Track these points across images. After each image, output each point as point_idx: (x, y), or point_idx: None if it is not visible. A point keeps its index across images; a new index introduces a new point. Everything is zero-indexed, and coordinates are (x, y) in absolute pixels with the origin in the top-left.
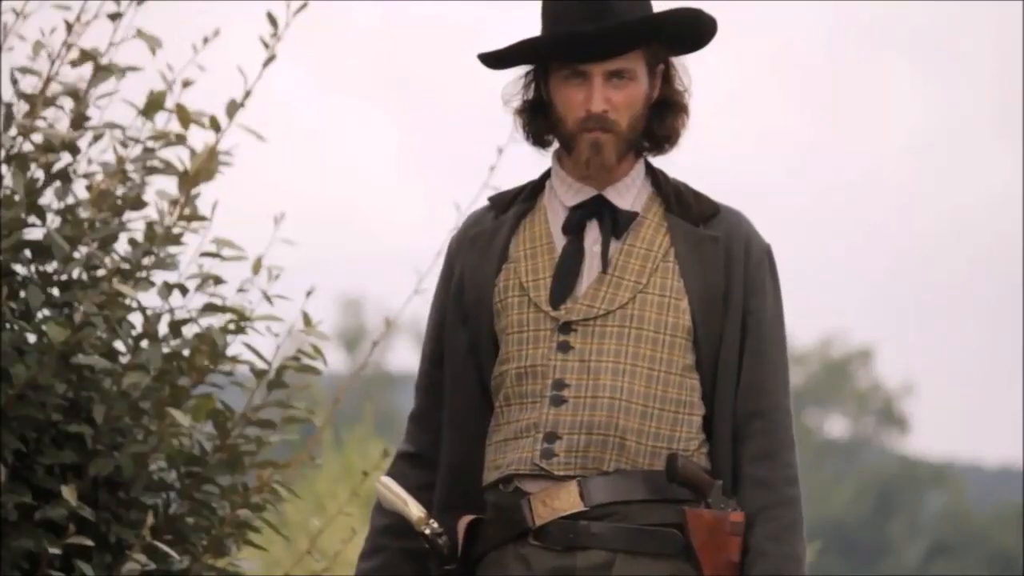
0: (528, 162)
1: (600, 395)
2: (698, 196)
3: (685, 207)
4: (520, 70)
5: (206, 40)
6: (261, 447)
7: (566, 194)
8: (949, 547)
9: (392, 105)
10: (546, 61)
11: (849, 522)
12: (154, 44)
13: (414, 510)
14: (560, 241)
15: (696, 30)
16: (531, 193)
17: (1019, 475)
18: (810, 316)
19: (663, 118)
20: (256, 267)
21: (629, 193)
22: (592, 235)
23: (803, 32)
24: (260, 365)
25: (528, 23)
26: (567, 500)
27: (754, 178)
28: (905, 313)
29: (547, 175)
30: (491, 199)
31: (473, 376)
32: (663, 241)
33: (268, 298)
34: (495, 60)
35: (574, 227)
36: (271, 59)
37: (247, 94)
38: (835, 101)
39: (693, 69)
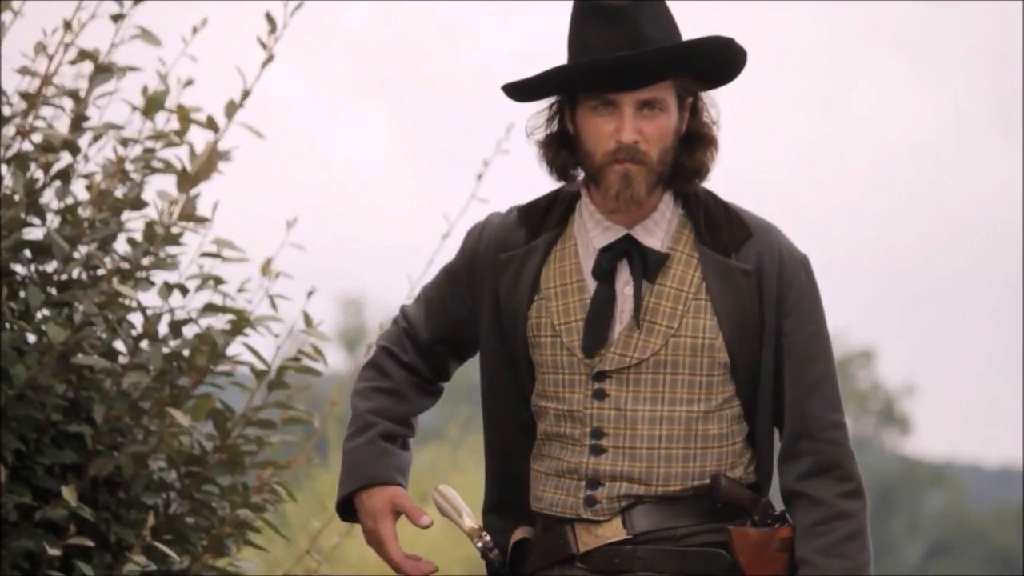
0: (514, 171)
1: (638, 446)
2: (729, 217)
3: (716, 232)
4: (537, 102)
5: (195, 30)
6: (261, 447)
7: (595, 230)
8: (949, 547)
9: (386, 105)
10: (573, 91)
11: None
12: (153, 42)
13: (468, 521)
14: (590, 282)
15: (728, 59)
16: (561, 218)
17: (1019, 475)
18: None
19: (692, 151)
20: (265, 269)
21: (659, 228)
22: (623, 277)
23: (803, 31)
24: (260, 366)
25: (521, 24)
26: (611, 529)
27: (754, 177)
28: (905, 313)
29: (578, 195)
30: (520, 211)
31: (515, 392)
32: (694, 276)
33: (272, 301)
34: (521, 91)
35: (604, 273)
36: (270, 59)
37: (246, 94)
38: (835, 100)
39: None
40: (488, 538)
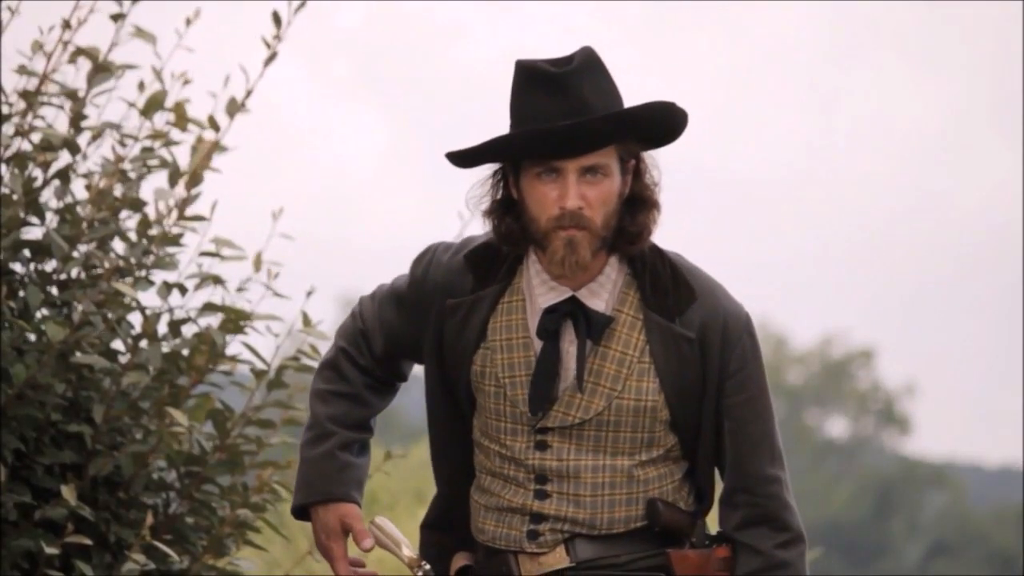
0: None
1: (582, 493)
2: (675, 279)
3: (661, 297)
4: (483, 169)
5: (188, 21)
6: (261, 447)
7: (540, 288)
8: (949, 547)
9: (382, 104)
10: (517, 158)
11: (849, 522)
12: (150, 40)
13: (406, 552)
14: (536, 340)
15: (670, 123)
16: (509, 270)
17: (1019, 475)
18: (810, 316)
19: (634, 214)
20: (257, 262)
21: (604, 290)
22: (568, 336)
23: (802, 31)
24: (260, 365)
25: (515, 24)
26: (554, 557)
27: (754, 177)
28: (905, 313)
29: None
30: (468, 258)
31: (456, 422)
32: (639, 339)
33: (276, 293)
34: (465, 159)
35: (549, 333)
36: (272, 57)
37: (248, 93)
38: (834, 100)
39: (693, 66)
40: (428, 567)
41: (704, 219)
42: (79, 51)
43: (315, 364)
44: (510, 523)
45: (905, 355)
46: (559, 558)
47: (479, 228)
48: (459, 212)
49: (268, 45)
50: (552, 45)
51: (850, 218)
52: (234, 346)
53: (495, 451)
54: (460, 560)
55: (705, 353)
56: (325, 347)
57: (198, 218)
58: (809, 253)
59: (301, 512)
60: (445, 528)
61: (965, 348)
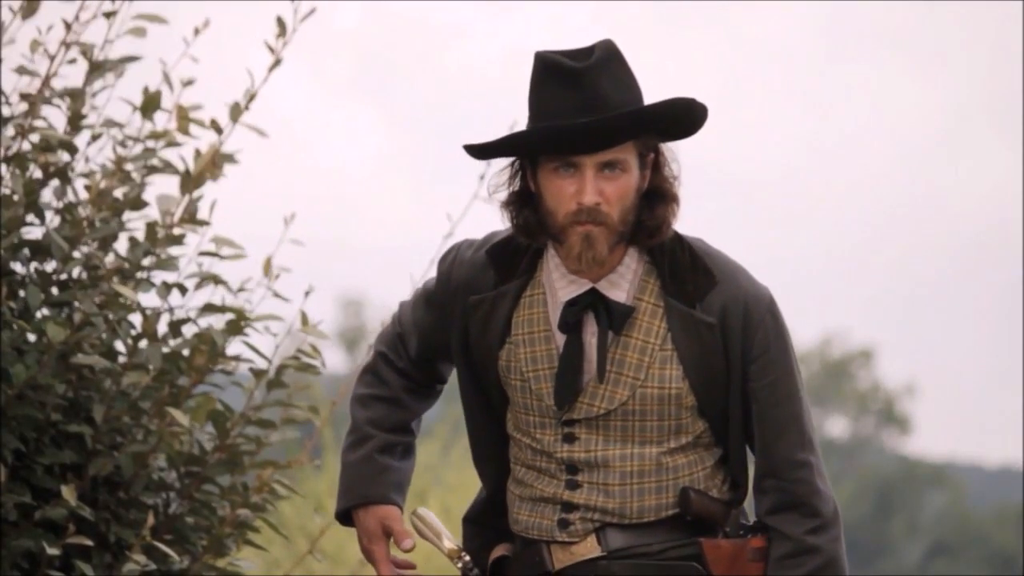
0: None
1: (611, 482)
2: (695, 265)
3: (681, 283)
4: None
5: (197, 31)
6: (261, 447)
7: (560, 282)
8: (949, 547)
9: (379, 105)
10: (534, 154)
11: (849, 522)
12: (139, 34)
13: (447, 543)
14: (557, 333)
15: (690, 120)
16: (530, 264)
17: (1019, 475)
18: (810, 316)
19: (653, 208)
20: (266, 267)
21: (624, 281)
22: (590, 328)
23: (802, 31)
24: (260, 365)
25: (512, 23)
26: (586, 547)
27: (754, 177)
28: (905, 313)
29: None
30: (490, 253)
31: (489, 417)
32: (660, 327)
33: (277, 294)
34: (482, 153)
35: (571, 326)
36: (277, 63)
37: (252, 97)
38: (834, 100)
39: (692, 65)
40: (468, 558)
41: (703, 219)
42: (81, 48)
43: (315, 364)
44: (542, 513)
45: (905, 355)
46: (590, 547)
47: (469, 228)
48: (447, 214)
49: (272, 51)
50: (551, 46)
51: (850, 218)
52: (234, 346)
53: (527, 444)
54: (499, 551)
55: (727, 338)
56: (325, 347)
57: (201, 222)
58: (809, 253)
59: (345, 518)
60: (486, 522)
61: (965, 348)
